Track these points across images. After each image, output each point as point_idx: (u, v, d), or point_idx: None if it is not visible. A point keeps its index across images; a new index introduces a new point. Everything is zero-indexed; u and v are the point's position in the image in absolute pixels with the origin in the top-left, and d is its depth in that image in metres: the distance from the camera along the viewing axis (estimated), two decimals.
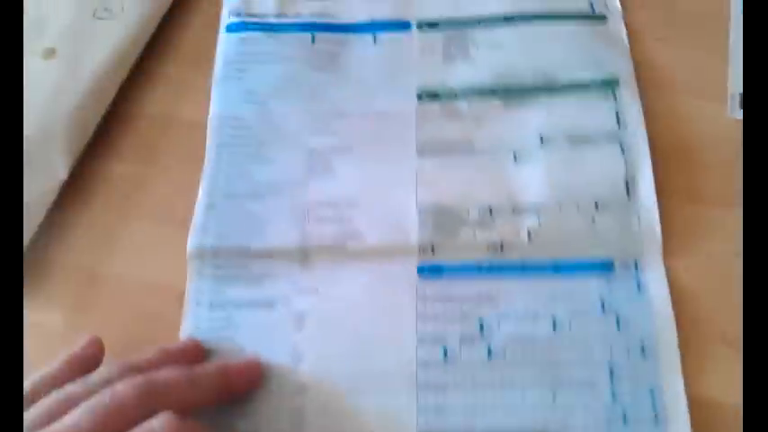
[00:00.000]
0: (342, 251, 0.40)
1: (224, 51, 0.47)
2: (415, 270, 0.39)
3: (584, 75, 0.44)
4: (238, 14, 0.49)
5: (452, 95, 0.44)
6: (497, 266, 0.39)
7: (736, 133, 0.42)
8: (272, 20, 0.48)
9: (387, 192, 0.41)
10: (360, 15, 0.48)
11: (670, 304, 0.37)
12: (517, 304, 0.38)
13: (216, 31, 0.48)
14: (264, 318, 0.39)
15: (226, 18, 0.49)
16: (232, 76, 0.46)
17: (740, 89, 0.43)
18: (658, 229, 0.39)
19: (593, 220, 0.39)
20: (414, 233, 0.40)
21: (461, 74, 0.45)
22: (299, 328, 0.38)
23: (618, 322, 0.37)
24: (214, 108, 0.45)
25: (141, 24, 0.47)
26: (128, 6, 0.48)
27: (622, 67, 0.44)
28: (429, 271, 0.39)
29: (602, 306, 0.37)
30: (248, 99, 0.45)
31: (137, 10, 0.48)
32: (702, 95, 0.44)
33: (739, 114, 0.42)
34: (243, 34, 0.48)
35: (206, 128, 0.44)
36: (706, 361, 0.36)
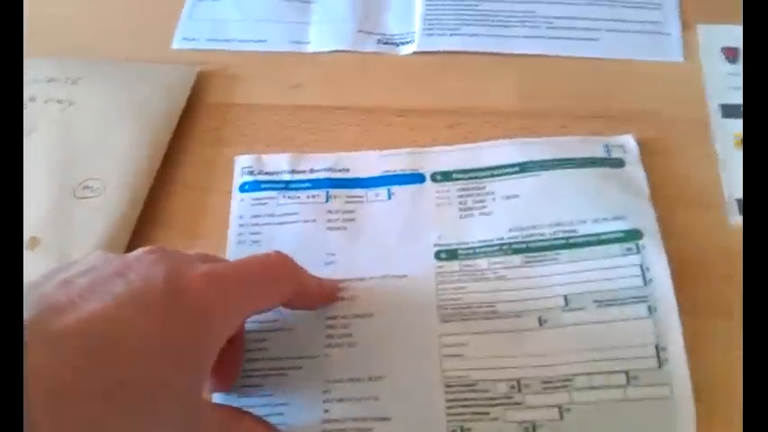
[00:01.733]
0: None
1: (237, 214, 0.47)
2: None
3: (605, 227, 0.43)
4: (251, 173, 0.48)
5: (471, 253, 0.44)
6: None
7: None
8: (287, 177, 0.48)
9: (411, 364, 0.40)
10: (373, 169, 0.47)
11: None
12: None
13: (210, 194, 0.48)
14: None
15: (239, 177, 0.48)
16: (246, 240, 0.46)
17: (738, 194, 0.43)
18: (690, 399, 0.38)
19: (626, 394, 0.38)
20: (441, 416, 0.39)
21: (479, 228, 0.44)
22: None
23: None
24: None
25: (129, 198, 0.46)
26: (111, 181, 0.46)
27: (644, 217, 0.43)
28: None
29: None
30: None
31: (122, 181, 0.46)
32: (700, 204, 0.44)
33: (739, 220, 0.43)
34: (257, 194, 0.47)
35: None
36: None
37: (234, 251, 0.45)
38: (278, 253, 0.38)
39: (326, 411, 0.40)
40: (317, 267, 0.44)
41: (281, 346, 0.42)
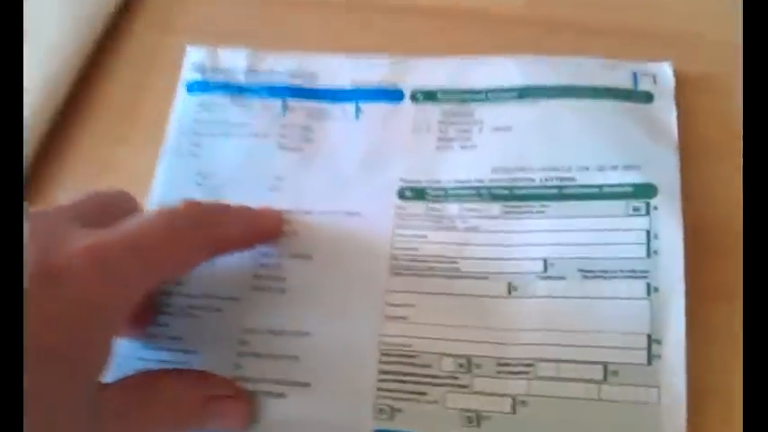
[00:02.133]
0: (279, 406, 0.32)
1: (179, 118, 0.39)
2: None
3: (612, 177, 0.34)
4: (202, 71, 0.40)
5: (442, 194, 0.35)
6: None
7: None
8: (241, 78, 0.40)
9: (346, 321, 0.33)
10: (342, 79, 0.39)
11: None
12: None
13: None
14: None
15: (187, 73, 0.41)
16: (185, 152, 0.39)
17: None
18: (683, 410, 0.29)
19: (599, 393, 0.30)
20: (370, 390, 0.32)
21: (457, 165, 0.36)
22: None
23: None
24: (155, 192, 0.38)
25: (48, 92, 0.40)
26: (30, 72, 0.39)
27: (665, 170, 0.34)
28: None
29: None
30: (200, 183, 0.37)
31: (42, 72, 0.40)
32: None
33: None
34: (204, 97, 0.39)
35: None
36: None
37: (168, 164, 0.39)
38: (188, 205, 0.31)
39: (239, 367, 0.33)
40: (259, 192, 0.37)
41: (199, 280, 0.35)
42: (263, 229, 0.35)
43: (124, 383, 0.30)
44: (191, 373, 0.33)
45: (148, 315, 0.35)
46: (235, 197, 0.36)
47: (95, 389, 0.27)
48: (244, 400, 0.32)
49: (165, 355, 0.34)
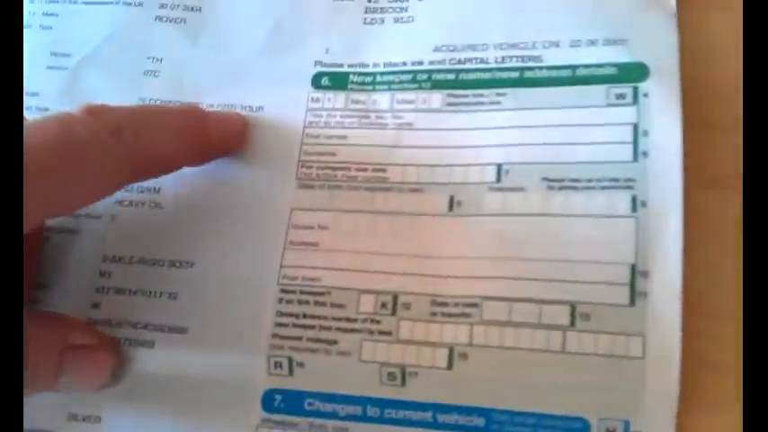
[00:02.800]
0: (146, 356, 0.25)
1: None
2: (259, 401, 0.23)
3: (590, 54, 0.25)
4: None
5: (369, 82, 0.27)
6: (392, 414, 0.23)
7: None
8: None
9: (237, 250, 0.25)
10: None
11: None
12: None
13: None
14: None
15: None
16: (34, 24, 0.30)
17: None
18: (675, 366, 0.21)
19: (563, 344, 0.22)
20: (263, 338, 0.24)
21: (389, 43, 0.27)
22: None
23: None
24: None
25: None
26: None
27: (660, 44, 0.25)
28: (282, 403, 0.23)
29: None
30: (53, 66, 0.29)
31: None
32: None
33: None
34: None
35: None
36: None
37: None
38: (92, 108, 0.22)
39: (96, 307, 0.25)
40: (130, 77, 0.29)
41: None
42: (219, 136, 0.26)
43: None
44: (42, 316, 0.25)
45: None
46: (98, 83, 0.28)
47: None
48: (107, 350, 0.25)
49: None
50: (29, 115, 0.27)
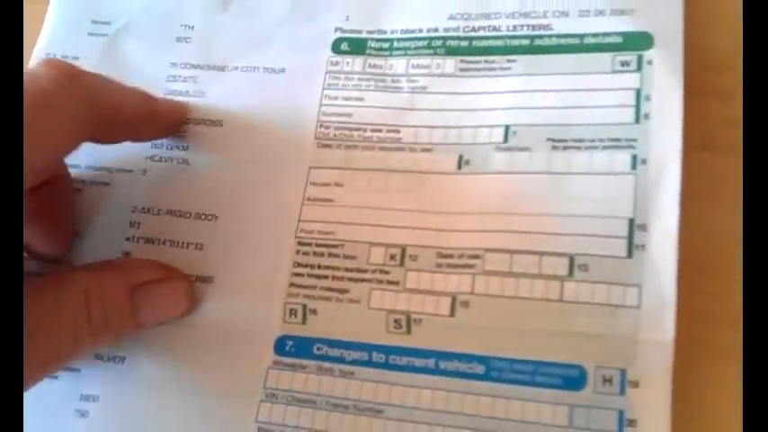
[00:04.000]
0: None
1: None
2: (272, 345, 0.25)
3: (597, 24, 0.26)
4: None
5: (386, 48, 0.28)
6: (396, 361, 0.24)
7: None
8: None
9: (259, 205, 0.27)
10: None
11: None
12: (418, 430, 0.24)
13: None
14: None
15: None
16: None
17: None
18: (670, 316, 0.22)
19: (561, 292, 0.23)
20: (281, 286, 0.25)
21: (406, 11, 0.29)
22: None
23: None
24: (42, 41, 0.31)
25: None
26: None
27: (665, 14, 0.26)
28: (293, 348, 0.25)
29: None
30: (93, 32, 0.31)
31: None
32: None
33: None
34: None
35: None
36: None
37: (59, 7, 0.32)
38: (57, 64, 0.24)
39: (126, 255, 0.27)
40: (164, 43, 0.30)
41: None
42: (165, 113, 0.28)
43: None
44: (100, 266, 0.26)
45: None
46: (133, 49, 0.30)
47: None
48: (178, 279, 0.26)
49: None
50: None
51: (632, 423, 0.22)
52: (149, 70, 0.29)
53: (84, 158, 0.28)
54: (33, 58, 0.31)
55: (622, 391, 0.22)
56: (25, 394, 0.22)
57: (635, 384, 0.22)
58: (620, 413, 0.22)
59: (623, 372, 0.22)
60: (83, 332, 0.24)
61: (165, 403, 0.25)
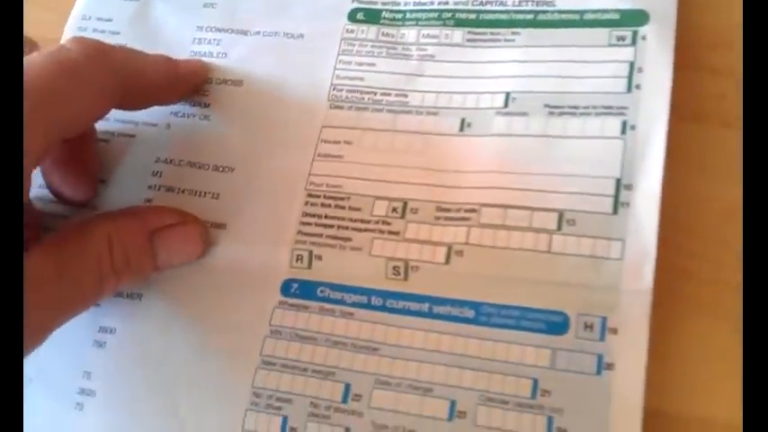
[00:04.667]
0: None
1: None
2: (278, 287, 0.27)
3: (597, 1, 0.28)
4: None
5: (399, 18, 0.30)
6: (393, 304, 0.26)
7: None
8: None
9: (272, 160, 0.29)
10: None
11: (640, 403, 0.23)
12: (409, 366, 0.25)
13: None
14: None
15: None
16: None
17: None
18: (650, 268, 0.24)
19: (549, 246, 0.25)
20: (289, 233, 0.27)
21: None
22: None
23: (550, 423, 0.23)
24: (78, 6, 0.33)
25: None
26: None
27: None
28: (297, 290, 0.27)
29: (535, 388, 0.24)
30: None
31: None
32: None
33: None
34: None
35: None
36: None
37: None
38: (84, 40, 0.25)
39: (148, 201, 0.29)
40: (191, 8, 0.32)
41: None
42: (187, 76, 0.30)
43: (49, 243, 0.25)
44: (122, 213, 0.28)
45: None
46: (163, 13, 0.32)
47: None
48: (194, 223, 0.28)
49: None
50: (102, 37, 0.31)
51: (610, 366, 0.23)
52: (177, 33, 0.31)
53: (113, 112, 0.30)
54: (71, 18, 0.33)
55: (602, 338, 0.24)
56: None
57: (614, 331, 0.24)
58: (600, 357, 0.24)
59: (604, 319, 0.24)
60: (106, 274, 0.25)
61: (178, 337, 0.27)
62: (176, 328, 0.27)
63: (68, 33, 0.33)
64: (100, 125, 0.30)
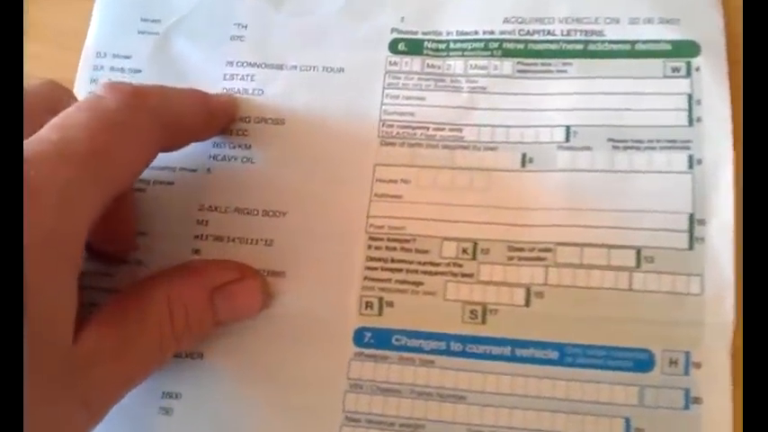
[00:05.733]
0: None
1: None
2: (351, 338, 0.26)
3: (647, 32, 0.28)
4: None
5: (443, 48, 0.29)
6: (473, 349, 0.26)
7: None
8: None
9: (325, 201, 0.28)
10: None
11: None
12: (500, 413, 0.25)
13: None
14: None
15: None
16: None
17: None
18: (730, 301, 0.24)
19: (630, 283, 0.25)
20: (355, 280, 0.26)
21: (461, 12, 0.30)
22: None
23: None
24: (90, 38, 0.31)
25: None
26: None
27: (708, 25, 0.28)
28: (372, 339, 0.26)
29: (627, 427, 0.24)
30: (144, 31, 0.31)
31: None
32: None
33: None
34: None
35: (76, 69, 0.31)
36: None
37: (106, 6, 0.32)
38: (117, 87, 0.24)
39: (197, 252, 0.27)
40: (218, 42, 0.31)
41: None
42: (220, 111, 0.29)
43: (107, 314, 0.23)
44: (182, 269, 0.26)
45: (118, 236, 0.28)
46: (186, 48, 0.30)
47: (66, 342, 0.21)
48: (252, 277, 0.27)
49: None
50: (123, 77, 0.29)
51: (698, 400, 0.24)
52: (205, 68, 0.30)
53: None
54: (84, 56, 0.30)
55: (687, 372, 0.24)
56: None
57: (698, 365, 0.24)
58: (686, 392, 0.24)
59: (687, 354, 0.24)
60: (167, 340, 0.24)
61: (249, 397, 0.26)
62: (246, 387, 0.26)
63: (84, 73, 0.30)
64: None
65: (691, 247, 0.25)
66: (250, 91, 0.29)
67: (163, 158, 0.27)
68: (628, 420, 0.24)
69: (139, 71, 0.30)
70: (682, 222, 0.25)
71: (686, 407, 0.24)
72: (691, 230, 0.25)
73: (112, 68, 0.30)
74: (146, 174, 0.27)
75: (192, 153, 0.28)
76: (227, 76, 0.30)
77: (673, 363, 0.24)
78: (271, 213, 0.28)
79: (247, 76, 0.30)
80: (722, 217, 0.25)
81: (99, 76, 0.30)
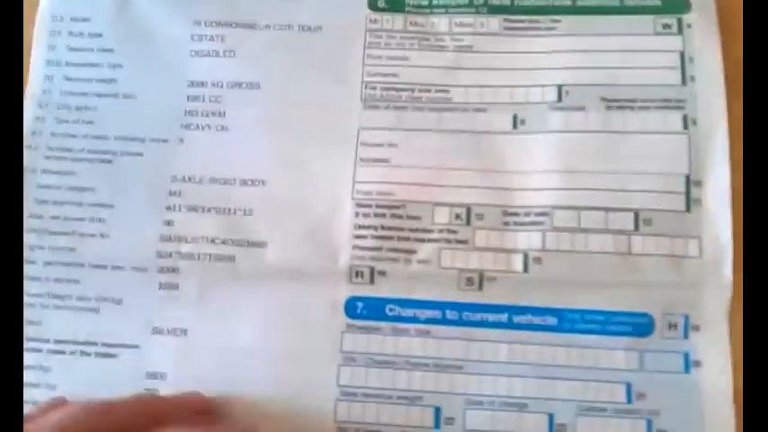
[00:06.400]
0: (229, 271, 0.25)
1: None
2: (342, 309, 0.25)
3: None
4: None
5: (425, 5, 0.28)
6: (470, 317, 0.25)
7: None
8: None
9: (307, 167, 0.26)
10: None
11: (731, 396, 0.23)
12: (498, 382, 0.24)
13: None
14: None
15: None
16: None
17: None
18: (728, 264, 0.24)
19: (629, 247, 0.24)
20: (343, 248, 0.25)
21: None
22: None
23: (650, 426, 0.23)
24: (44, 1, 0.29)
25: None
26: None
27: None
28: (364, 310, 0.25)
29: (629, 392, 0.24)
30: None
31: None
32: None
33: None
34: None
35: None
36: None
37: None
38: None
39: (169, 224, 0.26)
40: (183, 5, 0.28)
41: (112, 119, 0.26)
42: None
43: None
44: None
45: None
46: (149, 7, 0.29)
47: None
48: None
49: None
50: (82, 42, 0.27)
51: (698, 363, 0.24)
52: (170, 30, 0.28)
53: (112, 129, 0.27)
54: (39, 20, 0.28)
55: (686, 335, 0.24)
56: None
57: (697, 328, 0.24)
58: (686, 355, 0.24)
59: (686, 317, 0.24)
60: None
61: (235, 373, 0.25)
62: (233, 364, 0.25)
63: (40, 38, 0.28)
64: (98, 144, 0.26)
65: (688, 209, 0.25)
66: (221, 53, 0.28)
67: (131, 129, 0.26)
68: (629, 385, 0.24)
69: (99, 35, 0.28)
70: (679, 184, 0.25)
71: (686, 370, 0.24)
72: (687, 192, 0.25)
73: (71, 33, 0.28)
74: (113, 145, 0.26)
75: (162, 122, 0.27)
76: (195, 37, 0.28)
77: (672, 326, 0.24)
78: (249, 182, 0.26)
79: (217, 36, 0.28)
80: (718, 178, 0.25)
81: (57, 42, 0.28)
